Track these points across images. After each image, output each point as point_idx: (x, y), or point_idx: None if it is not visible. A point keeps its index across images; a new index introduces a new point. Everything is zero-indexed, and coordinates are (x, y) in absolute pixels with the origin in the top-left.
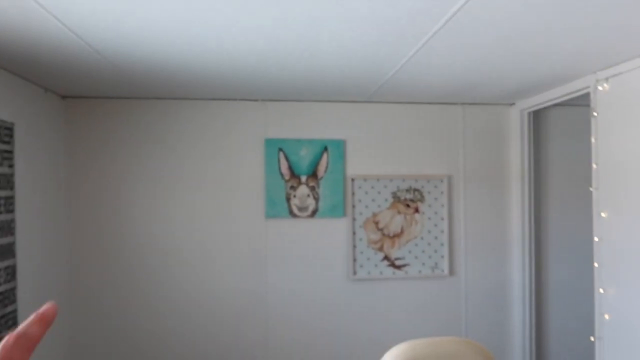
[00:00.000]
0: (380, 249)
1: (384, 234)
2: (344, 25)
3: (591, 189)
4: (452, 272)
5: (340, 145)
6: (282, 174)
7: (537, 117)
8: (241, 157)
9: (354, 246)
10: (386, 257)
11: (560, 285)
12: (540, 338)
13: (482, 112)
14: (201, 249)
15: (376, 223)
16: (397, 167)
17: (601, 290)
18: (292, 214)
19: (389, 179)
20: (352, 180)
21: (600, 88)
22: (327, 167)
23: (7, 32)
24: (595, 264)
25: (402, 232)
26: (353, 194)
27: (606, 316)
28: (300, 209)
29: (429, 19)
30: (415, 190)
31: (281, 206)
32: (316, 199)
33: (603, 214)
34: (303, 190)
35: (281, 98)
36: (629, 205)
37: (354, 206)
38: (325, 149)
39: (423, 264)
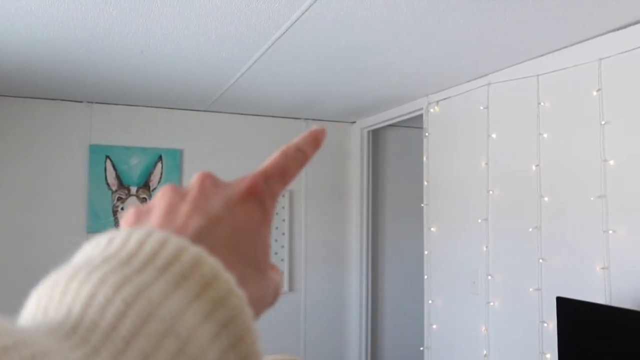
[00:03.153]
0: None
1: None
2: (178, 21)
3: (422, 205)
4: (291, 287)
5: (176, 155)
6: (108, 184)
7: (376, 136)
8: (60, 164)
9: None
10: None
11: (395, 297)
12: (376, 350)
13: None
14: (10, 266)
15: None
16: None
17: (430, 301)
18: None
19: None
20: None
21: (431, 110)
22: (161, 178)
23: None
24: (425, 276)
25: None
26: None
27: (434, 326)
28: None
29: (270, 25)
30: None
31: (106, 219)
32: None
33: (433, 229)
34: (133, 202)
35: (110, 101)
36: (452, 220)
37: None
38: (160, 158)
39: None
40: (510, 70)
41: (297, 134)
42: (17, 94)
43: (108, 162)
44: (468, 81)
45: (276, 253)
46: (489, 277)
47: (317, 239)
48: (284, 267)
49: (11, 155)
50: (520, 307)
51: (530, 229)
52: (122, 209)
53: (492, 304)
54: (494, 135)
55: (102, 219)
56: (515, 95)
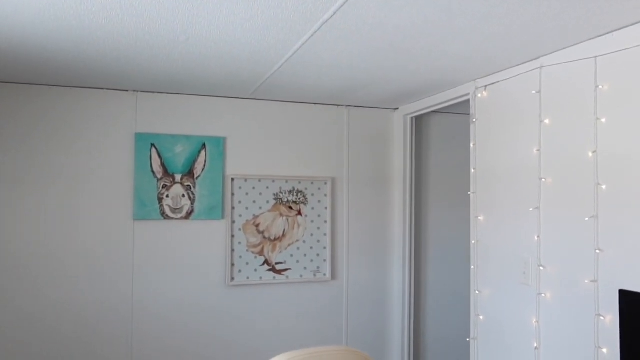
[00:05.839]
0: (261, 253)
1: (264, 237)
2: (224, 6)
3: (469, 193)
4: (334, 275)
5: (220, 143)
6: (153, 172)
7: (420, 123)
8: (107, 153)
9: (232, 250)
10: (266, 262)
11: (439, 287)
12: (419, 339)
13: (367, 115)
14: (57, 254)
15: (257, 226)
16: (280, 168)
17: (477, 292)
18: (164, 215)
19: (271, 179)
20: (232, 180)
21: (479, 95)
22: (205, 166)
23: None
24: (472, 266)
25: (284, 235)
26: (233, 194)
27: (481, 317)
28: (174, 210)
29: (318, 7)
30: (299, 192)
31: (152, 207)
32: (192, 200)
33: (480, 218)
34: (177, 189)
35: (155, 90)
36: (501, 208)
37: (233, 208)
38: (204, 146)
39: (305, 268)
40: (564, 52)
41: (339, 121)
42: (64, 84)
43: (153, 150)
44: (519, 64)
45: (318, 241)
46: (541, 268)
47: (359, 227)
48: (327, 255)
49: (59, 144)
50: (575, 299)
51: (587, 218)
52: (167, 196)
53: (543, 295)
54: (546, 121)
55: (148, 206)
56: (570, 78)
